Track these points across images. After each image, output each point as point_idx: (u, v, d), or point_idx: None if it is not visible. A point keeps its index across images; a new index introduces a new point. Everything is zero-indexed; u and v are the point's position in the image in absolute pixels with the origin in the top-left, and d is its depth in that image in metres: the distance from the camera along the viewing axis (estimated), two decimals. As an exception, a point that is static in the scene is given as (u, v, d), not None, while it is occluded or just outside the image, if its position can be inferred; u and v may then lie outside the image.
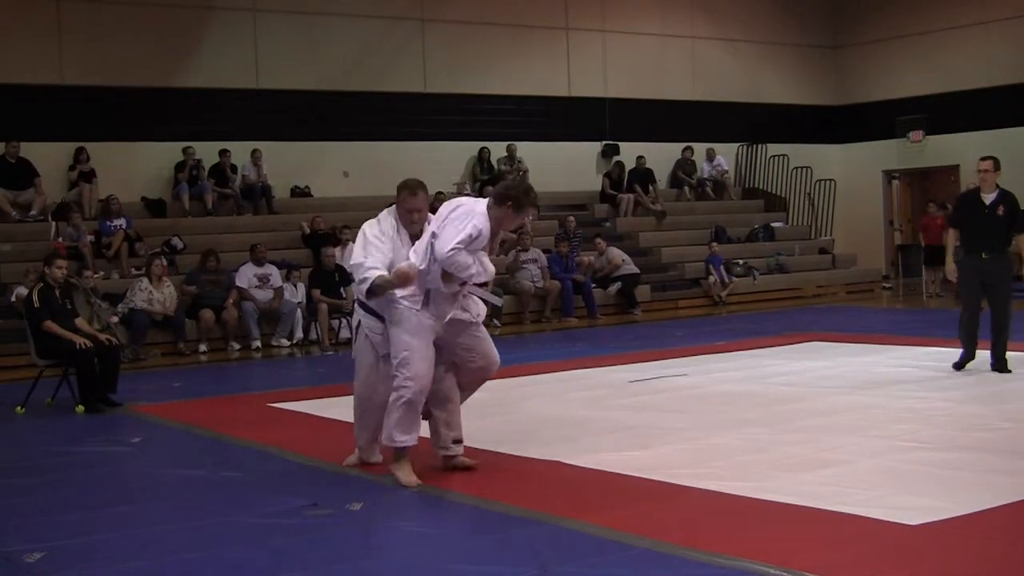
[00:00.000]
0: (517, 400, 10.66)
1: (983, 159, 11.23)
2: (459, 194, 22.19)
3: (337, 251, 17.51)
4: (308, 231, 19.15)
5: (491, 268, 7.52)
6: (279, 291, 17.10)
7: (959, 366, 11.20)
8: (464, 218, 7.13)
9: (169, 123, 19.80)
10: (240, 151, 20.17)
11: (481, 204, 7.33)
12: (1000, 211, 10.94)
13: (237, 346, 16.63)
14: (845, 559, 5.36)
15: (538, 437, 8.73)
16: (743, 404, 9.89)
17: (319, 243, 18.15)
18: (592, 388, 11.18)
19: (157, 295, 16.18)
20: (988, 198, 11.04)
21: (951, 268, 11.41)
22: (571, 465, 7.66)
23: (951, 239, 11.57)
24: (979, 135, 25.17)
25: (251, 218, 19.91)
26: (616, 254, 20.93)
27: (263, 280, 17.13)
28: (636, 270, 20.92)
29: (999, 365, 11.04)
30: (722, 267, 22.00)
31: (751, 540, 5.68)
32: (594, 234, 21.95)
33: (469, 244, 7.05)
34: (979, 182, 11.25)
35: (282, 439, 9.16)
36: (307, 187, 21.19)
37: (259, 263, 17.27)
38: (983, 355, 11.12)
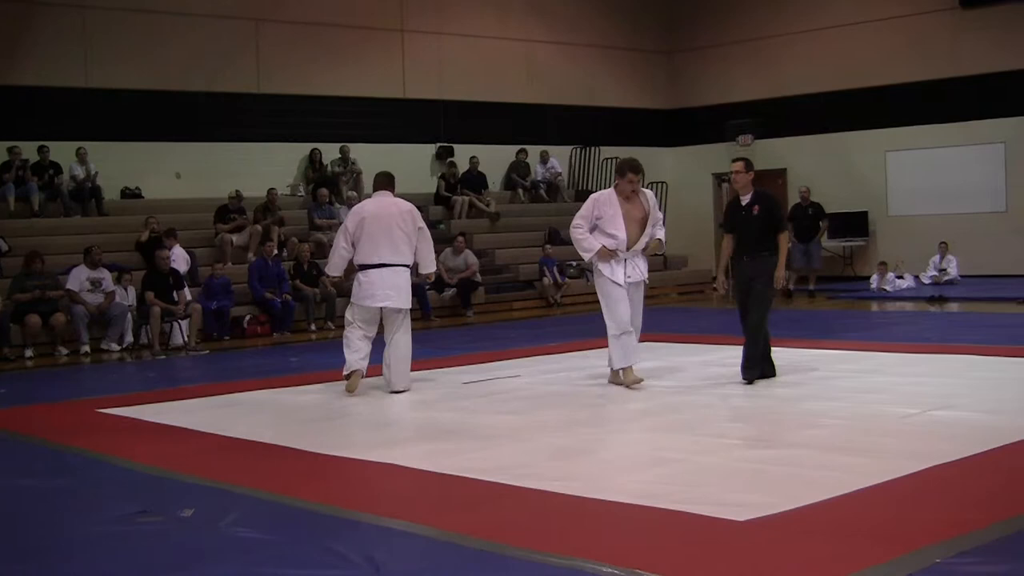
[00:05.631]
0: (349, 404, 10.65)
1: (734, 161, 11.12)
2: (293, 195, 22.13)
3: None
4: (145, 239, 18.60)
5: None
6: (111, 295, 16.74)
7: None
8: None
9: (-6, 122, 19.26)
10: (70, 151, 19.70)
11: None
12: (755, 211, 10.88)
13: (65, 351, 16.24)
14: (675, 555, 5.46)
15: (371, 439, 8.73)
16: (576, 404, 10.02)
17: (153, 246, 17.81)
18: (425, 391, 11.20)
19: (-20, 299, 15.74)
20: (744, 200, 11.01)
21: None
22: (404, 467, 7.67)
23: (726, 245, 11.33)
24: (806, 139, 25.98)
25: (80, 220, 19.42)
26: (473, 258, 21.03)
27: (96, 284, 16.73)
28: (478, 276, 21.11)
29: (747, 372, 10.68)
30: (555, 268, 22.20)
31: (583, 539, 5.75)
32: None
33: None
34: (732, 184, 11.18)
35: (112, 445, 8.99)
36: (138, 188, 20.78)
37: (93, 266, 16.86)
38: (816, 353, 11.19)
